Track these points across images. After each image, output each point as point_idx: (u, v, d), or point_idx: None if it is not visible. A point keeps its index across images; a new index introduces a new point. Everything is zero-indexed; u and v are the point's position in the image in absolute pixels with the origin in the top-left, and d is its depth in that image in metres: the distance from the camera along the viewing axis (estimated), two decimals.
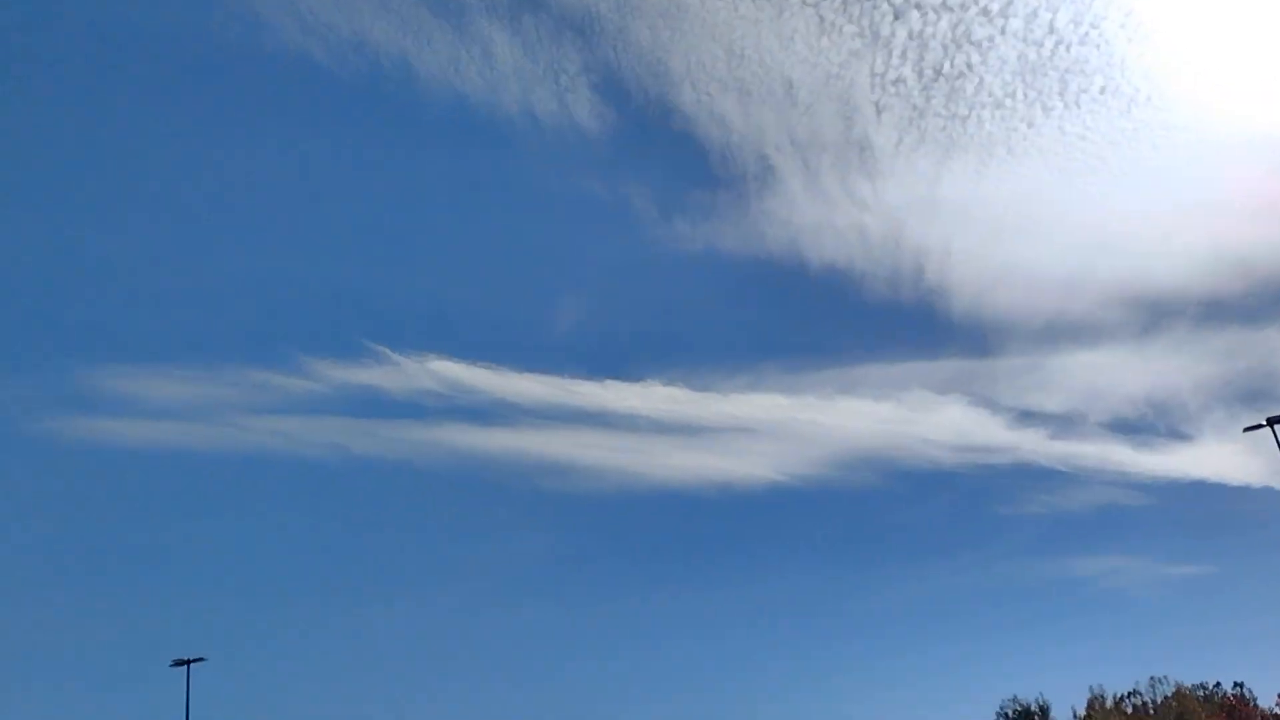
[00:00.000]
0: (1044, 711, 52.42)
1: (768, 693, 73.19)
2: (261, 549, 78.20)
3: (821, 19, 65.58)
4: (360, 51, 73.36)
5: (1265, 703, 51.18)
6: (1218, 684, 51.81)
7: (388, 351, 75.03)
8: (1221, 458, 71.64)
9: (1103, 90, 67.91)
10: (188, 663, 34.89)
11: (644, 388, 79.64)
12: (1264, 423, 27.24)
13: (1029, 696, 53.41)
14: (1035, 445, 78.51)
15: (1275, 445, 26.85)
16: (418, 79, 76.47)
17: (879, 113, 71.50)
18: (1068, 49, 66.03)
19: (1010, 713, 53.11)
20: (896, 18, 64.30)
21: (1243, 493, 75.92)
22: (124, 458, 72.73)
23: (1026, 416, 79.41)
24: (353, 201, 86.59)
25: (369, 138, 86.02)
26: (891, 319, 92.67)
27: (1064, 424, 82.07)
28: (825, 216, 78.94)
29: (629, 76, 75.42)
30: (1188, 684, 51.40)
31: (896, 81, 69.19)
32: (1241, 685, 52.09)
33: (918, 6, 63.84)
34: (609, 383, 78.89)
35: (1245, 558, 79.47)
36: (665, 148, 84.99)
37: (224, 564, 76.80)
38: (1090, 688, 53.02)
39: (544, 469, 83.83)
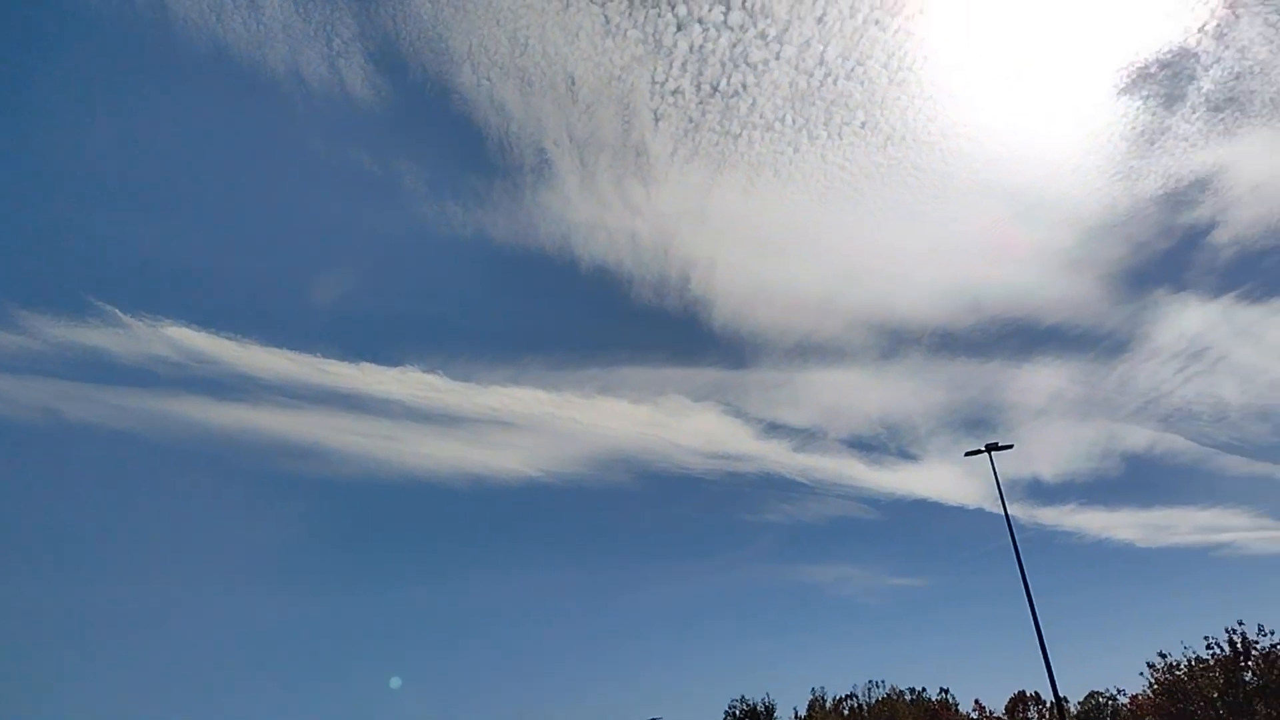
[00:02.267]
0: (769, 711, 53.18)
1: (510, 686, 71.19)
2: None
3: (607, 20, 64.91)
4: None
5: (965, 708, 55.08)
6: (924, 689, 54.92)
7: (116, 312, 66.23)
8: (943, 479, 76.80)
9: (863, 125, 70.84)
10: None
11: (402, 373, 75.46)
12: (983, 449, 28.52)
13: (757, 696, 54.17)
14: (780, 456, 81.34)
15: (991, 470, 27.85)
16: (174, 20, 68.04)
17: (657, 120, 71.78)
18: (835, 82, 68.31)
19: (738, 712, 53.59)
20: (679, 29, 64.91)
21: (959, 512, 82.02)
22: None
23: (774, 429, 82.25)
24: (88, 142, 75.06)
25: (113, 75, 74.85)
26: (655, 324, 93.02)
27: (807, 438, 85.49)
28: (599, 216, 78.08)
29: (408, 50, 70.77)
30: (900, 688, 53.97)
31: (675, 92, 69.91)
32: (947, 691, 55.53)
33: (700, 21, 64.67)
34: (365, 365, 74.05)
35: (956, 573, 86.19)
36: (441, 128, 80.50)
37: None
38: (812, 689, 54.49)
39: (287, 450, 77.26)
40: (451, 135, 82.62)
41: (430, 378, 77.95)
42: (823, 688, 54.33)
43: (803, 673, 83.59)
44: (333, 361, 74.34)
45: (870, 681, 53.35)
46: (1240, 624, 35.97)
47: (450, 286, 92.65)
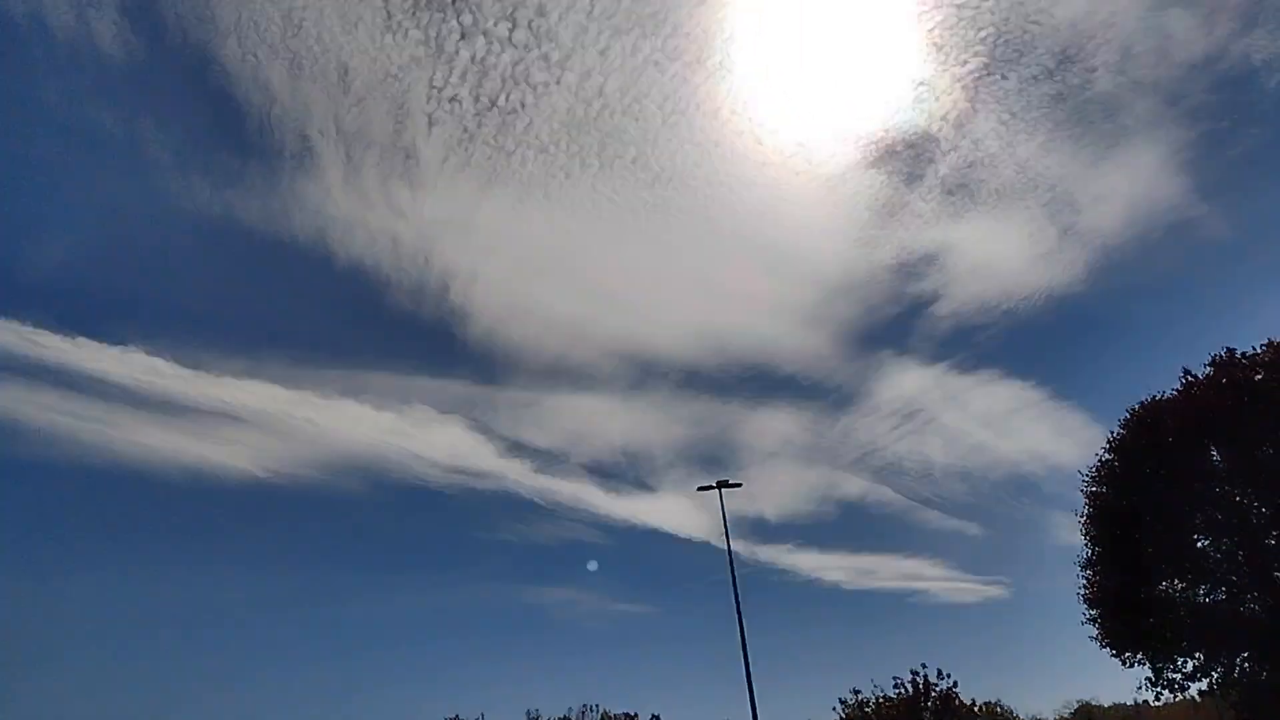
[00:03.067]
0: None
1: (211, 696, 63.23)
2: None
3: (389, 15, 62.11)
4: None
5: None
6: (636, 714, 54.72)
7: None
8: (675, 511, 79.12)
9: (634, 161, 73.09)
10: None
11: (123, 353, 65.64)
12: (715, 485, 30.03)
13: (472, 715, 51.24)
14: (521, 476, 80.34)
15: (719, 506, 27.77)
16: None
17: (431, 125, 69.43)
18: (611, 115, 69.95)
19: None
20: (463, 38, 63.53)
21: (687, 544, 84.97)
22: None
23: (518, 448, 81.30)
24: None
25: None
26: (408, 331, 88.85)
27: (549, 460, 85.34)
28: (360, 214, 73.70)
29: (169, 13, 63.16)
30: (614, 712, 53.28)
31: (453, 100, 68.21)
32: (658, 717, 55.77)
33: (485, 34, 63.69)
34: (82, 340, 63.50)
35: (680, 602, 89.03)
36: (197, 99, 72.36)
37: None
38: (527, 711, 52.51)
39: None
40: (207, 109, 73.32)
41: (156, 361, 67.89)
42: (538, 710, 52.33)
43: (522, 694, 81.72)
44: (44, 333, 62.60)
45: (585, 705, 52.12)
46: (924, 666, 38.49)
47: (189, 267, 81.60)
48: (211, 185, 73.92)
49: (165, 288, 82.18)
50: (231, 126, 74.39)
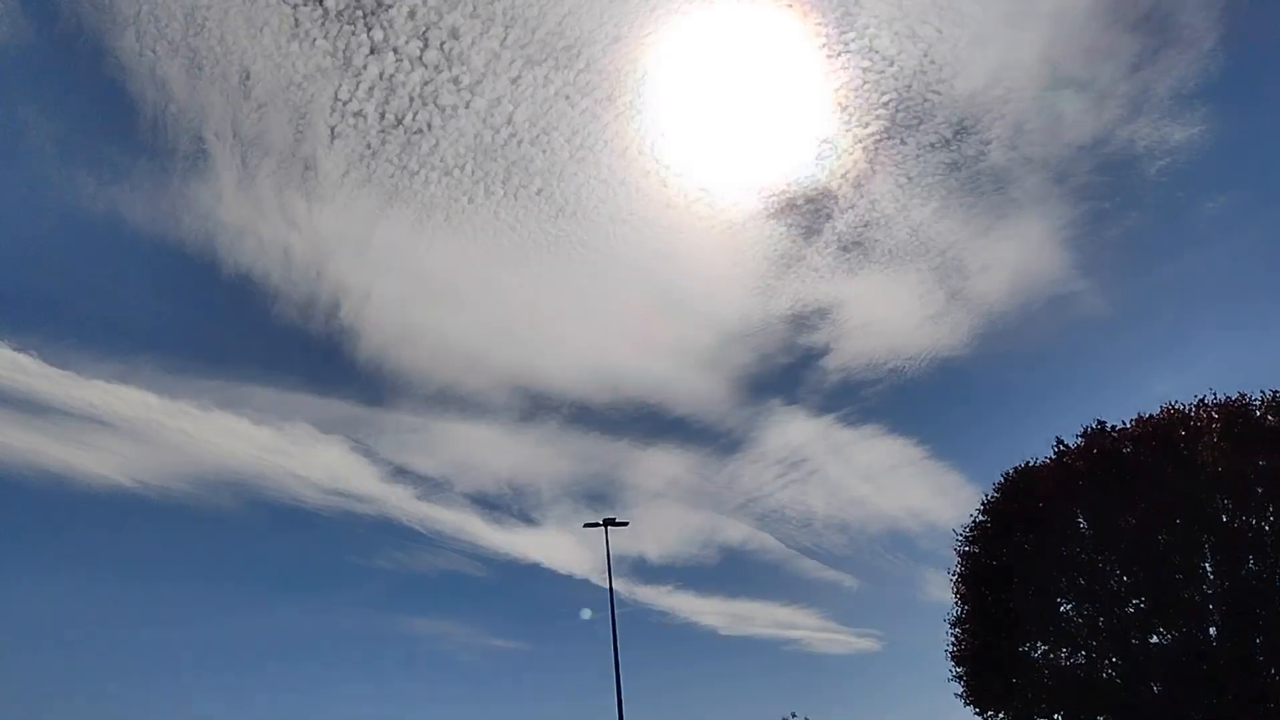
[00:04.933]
0: None
1: (74, 705, 56.87)
2: None
3: (297, 23, 60.66)
4: None
5: None
6: None
7: None
8: (558, 547, 78.48)
9: (539, 192, 73.50)
10: None
11: None
12: (600, 523, 29.71)
13: None
14: (402, 502, 78.08)
15: (604, 544, 28.55)
16: None
17: (333, 139, 67.95)
18: (519, 144, 70.37)
19: None
20: (373, 52, 62.91)
21: (567, 581, 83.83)
22: None
23: (401, 473, 78.97)
24: None
25: None
26: (294, 346, 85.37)
27: (433, 487, 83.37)
28: (252, 222, 70.78)
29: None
30: None
31: (358, 115, 67.23)
32: None
33: (395, 51, 63.48)
34: None
35: (556, 640, 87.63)
36: (88, 91, 68.14)
37: None
38: None
39: None
40: (98, 101, 68.38)
41: (21, 357, 61.93)
42: None
43: None
44: None
45: None
46: (794, 715, 38.66)
47: (65, 262, 75.26)
48: (96, 180, 68.88)
49: (38, 282, 75.67)
50: (122, 122, 69.49)
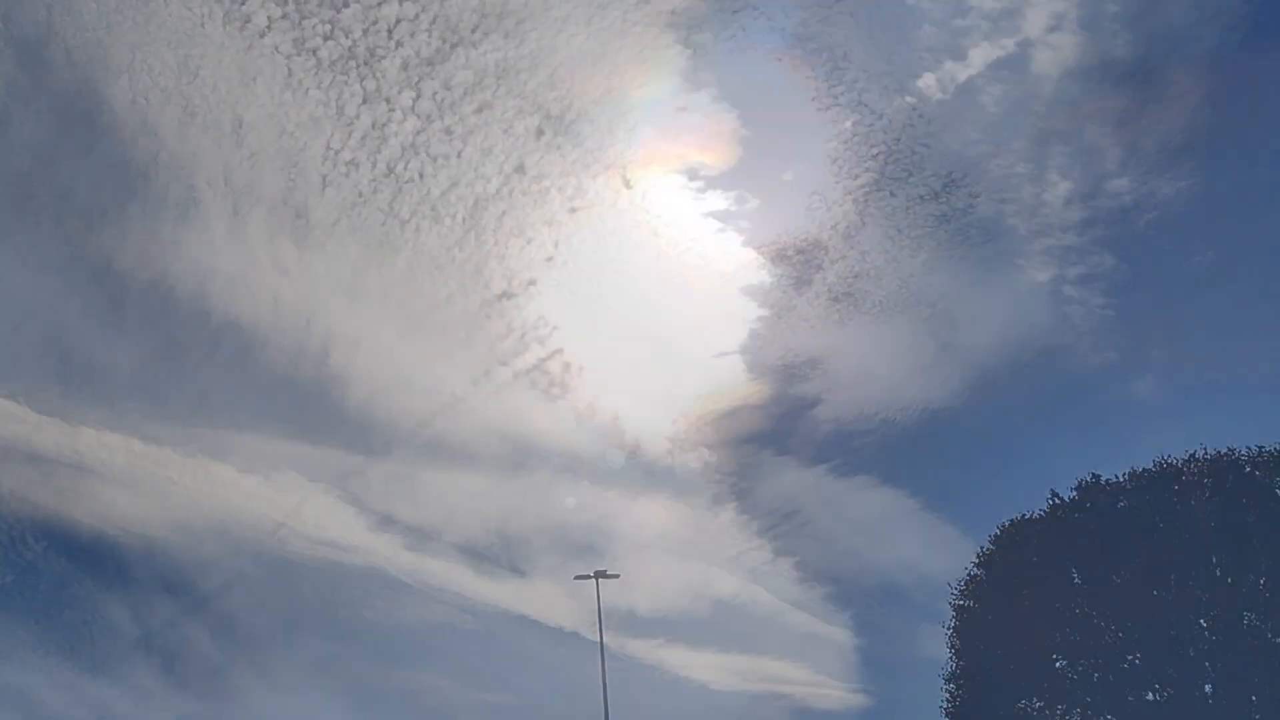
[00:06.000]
0: None
1: None
2: None
3: (290, 73, 62.36)
4: None
5: None
6: None
7: None
8: (547, 599, 77.60)
9: (529, 241, 74.64)
10: None
11: None
12: (591, 575, 28.73)
13: None
14: (390, 553, 77.32)
15: (594, 596, 27.10)
16: None
17: (324, 187, 69.23)
18: (511, 194, 71.94)
19: None
20: (365, 102, 64.59)
21: (556, 633, 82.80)
22: None
23: (389, 522, 78.31)
24: None
25: None
26: (284, 394, 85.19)
27: (421, 537, 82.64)
28: (242, 269, 71.54)
29: (57, 47, 60.16)
30: None
31: (350, 164, 68.66)
32: None
33: (387, 101, 64.88)
34: None
35: (544, 695, 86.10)
36: (80, 138, 69.09)
37: None
38: None
39: None
40: (90, 148, 70.07)
41: (6, 404, 62.18)
42: None
43: None
44: None
45: None
46: None
47: (53, 308, 75.90)
48: (86, 226, 69.72)
49: (25, 327, 75.63)
50: (115, 168, 70.84)
